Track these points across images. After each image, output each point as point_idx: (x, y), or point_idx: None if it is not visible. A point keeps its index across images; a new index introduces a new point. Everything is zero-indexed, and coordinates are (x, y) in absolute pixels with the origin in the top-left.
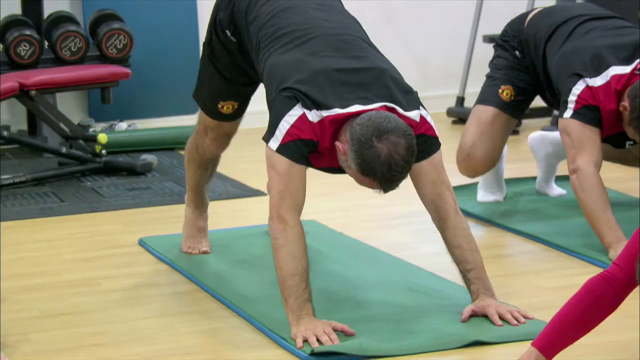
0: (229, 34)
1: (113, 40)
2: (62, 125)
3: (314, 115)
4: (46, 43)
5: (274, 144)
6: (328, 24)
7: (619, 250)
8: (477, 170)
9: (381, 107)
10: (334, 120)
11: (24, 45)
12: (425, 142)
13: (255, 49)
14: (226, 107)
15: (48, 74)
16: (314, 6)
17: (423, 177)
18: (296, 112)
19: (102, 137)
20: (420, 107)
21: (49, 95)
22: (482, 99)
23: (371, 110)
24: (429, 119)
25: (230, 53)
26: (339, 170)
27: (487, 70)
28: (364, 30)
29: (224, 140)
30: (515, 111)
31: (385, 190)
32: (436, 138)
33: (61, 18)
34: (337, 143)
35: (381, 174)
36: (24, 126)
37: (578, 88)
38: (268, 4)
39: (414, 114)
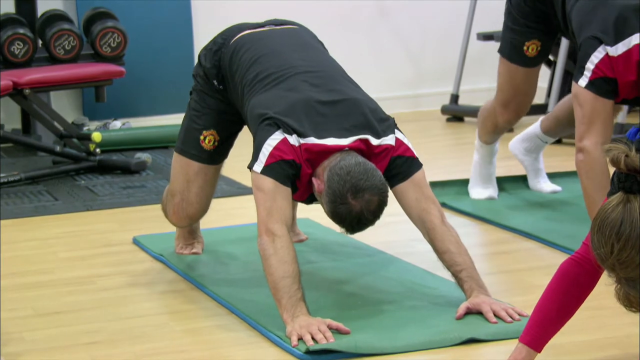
0: (216, 83)
1: (107, 38)
2: (56, 123)
3: (294, 140)
4: (40, 42)
5: (258, 167)
6: (305, 62)
7: None
8: (520, 113)
9: (356, 141)
10: (309, 150)
11: (18, 44)
12: (404, 164)
13: (240, 96)
14: (208, 138)
15: (42, 72)
16: (291, 48)
17: (407, 197)
18: (278, 136)
19: (96, 136)
20: (397, 130)
21: (43, 93)
22: (508, 57)
23: (347, 146)
24: (406, 141)
25: (217, 99)
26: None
27: (482, 68)
28: (340, 66)
29: (186, 214)
30: (541, 61)
31: (351, 234)
32: (415, 159)
33: (55, 16)
34: (314, 179)
35: (349, 226)
36: (18, 125)
37: (597, 56)
38: (248, 52)
39: (389, 139)
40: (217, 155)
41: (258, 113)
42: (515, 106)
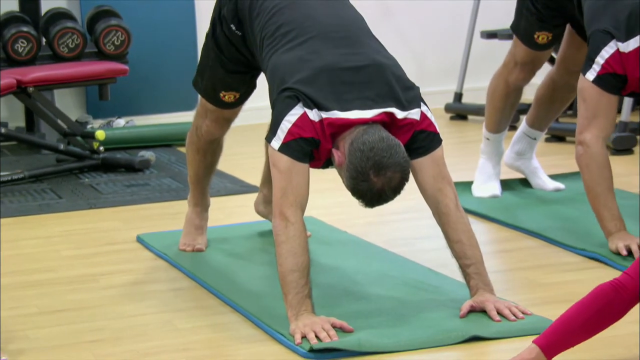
0: (233, 28)
1: (111, 36)
2: (59, 122)
3: (314, 115)
4: (44, 40)
5: (276, 143)
6: (329, 19)
7: (616, 240)
8: (534, 71)
9: (381, 114)
10: (332, 124)
11: (22, 42)
12: (425, 138)
13: (259, 46)
14: (228, 96)
15: (46, 70)
16: (316, 0)
17: (424, 173)
18: (297, 111)
19: (100, 134)
20: (422, 103)
21: (47, 91)
22: (520, 39)
23: (371, 119)
24: (429, 115)
25: (234, 45)
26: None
27: (485, 66)
28: (366, 23)
29: (224, 123)
30: (552, 46)
31: (370, 208)
32: (437, 134)
33: (59, 15)
34: (334, 151)
35: (369, 202)
36: (21, 123)
37: (607, 51)
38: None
39: (414, 113)
40: (241, 101)
41: (278, 78)
42: (530, 67)
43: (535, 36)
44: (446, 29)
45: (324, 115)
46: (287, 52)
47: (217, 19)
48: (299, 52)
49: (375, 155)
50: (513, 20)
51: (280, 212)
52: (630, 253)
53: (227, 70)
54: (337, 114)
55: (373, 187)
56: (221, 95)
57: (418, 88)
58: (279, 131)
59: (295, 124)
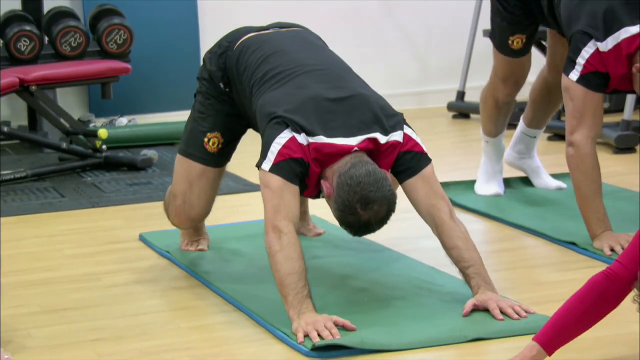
0: (222, 86)
1: (113, 35)
2: (62, 120)
3: (302, 139)
4: (46, 38)
5: (267, 165)
6: (312, 60)
7: (603, 241)
8: (519, 85)
9: (364, 141)
10: (317, 150)
11: (24, 41)
12: (412, 159)
13: (248, 96)
14: (212, 141)
15: (48, 69)
16: (298, 48)
17: (416, 192)
18: (286, 134)
19: (103, 133)
20: (405, 126)
21: (49, 90)
22: (497, 48)
23: (356, 147)
24: (414, 136)
25: (223, 101)
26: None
27: (488, 65)
28: (347, 64)
29: (187, 217)
30: (528, 50)
31: (358, 237)
32: (424, 154)
33: (61, 13)
34: (323, 182)
35: (356, 232)
36: (24, 121)
37: (587, 51)
38: (255, 53)
39: (396, 135)
40: (220, 157)
41: (267, 112)
42: (513, 81)
43: (510, 42)
44: (449, 27)
45: (311, 140)
46: (274, 90)
47: (206, 79)
48: (285, 89)
49: (362, 190)
50: (490, 29)
51: (272, 226)
52: (613, 251)
53: (213, 112)
54: (322, 139)
55: (360, 219)
56: (205, 140)
57: (402, 114)
58: (269, 154)
59: (284, 146)
